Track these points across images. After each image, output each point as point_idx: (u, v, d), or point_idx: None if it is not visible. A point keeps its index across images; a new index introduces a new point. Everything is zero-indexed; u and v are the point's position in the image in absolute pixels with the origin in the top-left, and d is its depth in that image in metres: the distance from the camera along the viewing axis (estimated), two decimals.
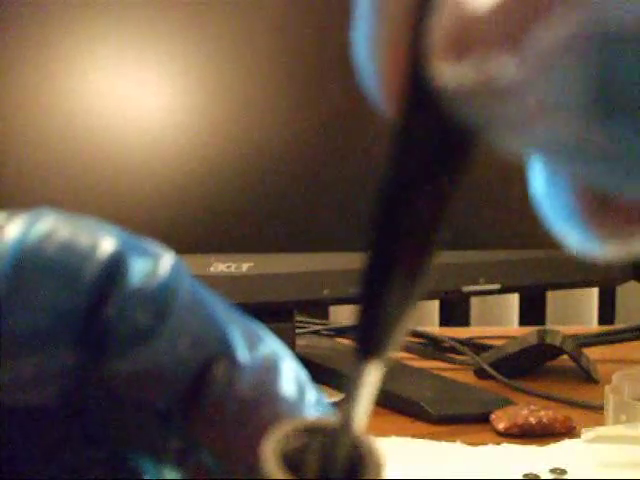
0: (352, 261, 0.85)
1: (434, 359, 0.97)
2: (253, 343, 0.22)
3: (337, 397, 0.82)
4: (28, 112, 0.80)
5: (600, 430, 0.68)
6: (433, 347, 0.99)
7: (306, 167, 0.85)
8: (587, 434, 0.67)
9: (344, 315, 1.47)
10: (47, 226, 0.20)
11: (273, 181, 0.84)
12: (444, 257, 0.97)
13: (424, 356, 0.97)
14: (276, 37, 0.84)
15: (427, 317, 1.67)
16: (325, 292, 0.84)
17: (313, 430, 0.21)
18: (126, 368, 0.21)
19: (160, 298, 0.21)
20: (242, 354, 0.22)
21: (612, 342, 0.99)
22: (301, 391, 0.23)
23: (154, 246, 0.21)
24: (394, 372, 0.90)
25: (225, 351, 0.21)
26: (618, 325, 1.35)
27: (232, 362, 0.21)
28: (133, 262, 0.21)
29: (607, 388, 0.74)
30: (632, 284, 0.96)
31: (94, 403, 0.21)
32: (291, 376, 0.22)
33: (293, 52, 0.85)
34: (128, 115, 0.82)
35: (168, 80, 0.83)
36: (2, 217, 0.20)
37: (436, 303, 1.68)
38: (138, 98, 0.83)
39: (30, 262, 0.20)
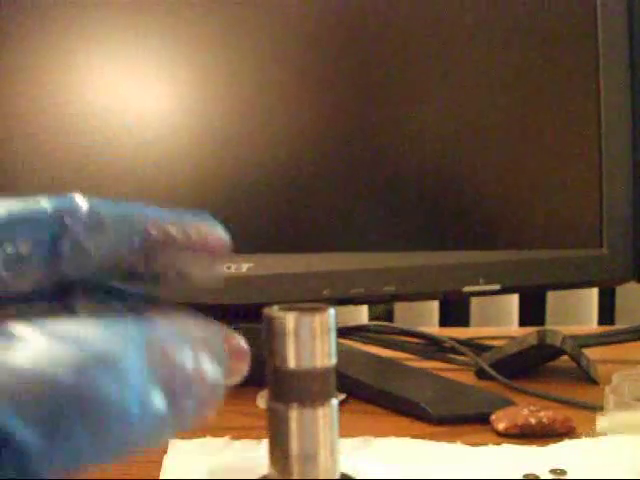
0: (352, 261, 0.85)
1: (434, 359, 0.97)
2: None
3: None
4: (29, 111, 0.80)
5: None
6: (433, 347, 0.99)
7: (306, 168, 0.85)
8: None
9: (344, 315, 1.47)
10: (4, 204, 0.31)
11: (273, 182, 0.84)
12: (444, 257, 0.98)
13: (424, 356, 0.97)
14: (279, 38, 0.84)
15: (427, 317, 1.67)
16: (325, 292, 0.84)
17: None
18: (91, 270, 0.31)
19: (92, 223, 0.31)
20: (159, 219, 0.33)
21: (612, 342, 0.99)
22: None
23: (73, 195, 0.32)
24: (394, 372, 0.90)
25: (149, 224, 0.32)
26: (618, 325, 1.35)
27: (159, 230, 0.32)
28: (67, 210, 0.31)
29: (607, 388, 0.73)
30: (632, 284, 0.96)
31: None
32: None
33: (296, 52, 0.85)
34: (128, 116, 0.82)
35: (168, 81, 0.83)
36: None
37: (436, 303, 1.68)
38: (138, 99, 0.83)
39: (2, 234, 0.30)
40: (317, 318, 0.31)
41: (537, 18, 0.90)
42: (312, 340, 0.31)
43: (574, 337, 0.93)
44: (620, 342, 0.99)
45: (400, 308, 1.67)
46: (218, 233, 0.33)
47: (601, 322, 1.68)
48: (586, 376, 0.89)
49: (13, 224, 0.30)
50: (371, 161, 0.86)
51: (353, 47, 0.86)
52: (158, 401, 0.26)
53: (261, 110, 0.84)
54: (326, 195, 0.85)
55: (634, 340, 0.99)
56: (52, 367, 0.24)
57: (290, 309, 0.32)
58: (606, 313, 1.72)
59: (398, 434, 0.71)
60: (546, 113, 0.90)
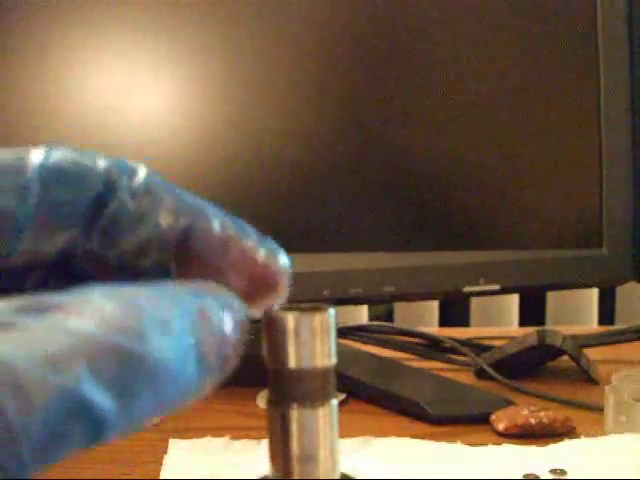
0: (352, 261, 0.85)
1: (434, 359, 0.97)
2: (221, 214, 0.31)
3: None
4: (30, 110, 0.80)
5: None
6: (433, 347, 0.99)
7: (306, 168, 0.85)
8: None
9: (344, 315, 1.47)
10: (60, 152, 0.30)
11: (273, 182, 0.84)
12: (444, 257, 0.98)
13: (424, 356, 0.97)
14: (278, 40, 0.84)
15: (427, 317, 1.67)
16: (325, 292, 0.84)
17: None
18: (130, 242, 0.30)
19: (143, 191, 0.30)
20: (214, 216, 0.31)
21: (612, 342, 0.99)
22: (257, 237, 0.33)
23: (134, 162, 0.31)
24: (394, 372, 0.90)
25: (201, 216, 0.30)
26: (618, 325, 1.35)
27: (208, 224, 0.30)
28: (120, 171, 0.30)
29: (607, 388, 0.73)
30: (632, 284, 0.96)
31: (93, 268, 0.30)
32: (248, 228, 0.33)
33: (297, 51, 0.85)
34: (129, 116, 0.82)
35: (169, 81, 0.83)
36: (21, 150, 0.29)
37: (436, 303, 1.68)
38: (140, 99, 0.83)
39: (52, 176, 0.29)
40: (317, 318, 0.31)
41: (537, 18, 0.90)
42: (312, 340, 0.31)
43: (574, 337, 0.93)
44: (620, 342, 0.99)
45: (400, 308, 1.67)
46: (281, 264, 0.32)
47: (601, 322, 1.68)
48: (586, 376, 0.89)
49: (59, 169, 0.29)
50: (371, 161, 0.86)
51: (354, 49, 0.86)
52: (195, 362, 0.27)
53: (259, 112, 0.84)
54: (326, 195, 0.85)
55: (634, 340, 0.99)
56: (118, 332, 0.25)
57: (290, 309, 0.32)
58: (606, 313, 1.72)
59: (398, 434, 0.71)
60: (546, 113, 0.90)
